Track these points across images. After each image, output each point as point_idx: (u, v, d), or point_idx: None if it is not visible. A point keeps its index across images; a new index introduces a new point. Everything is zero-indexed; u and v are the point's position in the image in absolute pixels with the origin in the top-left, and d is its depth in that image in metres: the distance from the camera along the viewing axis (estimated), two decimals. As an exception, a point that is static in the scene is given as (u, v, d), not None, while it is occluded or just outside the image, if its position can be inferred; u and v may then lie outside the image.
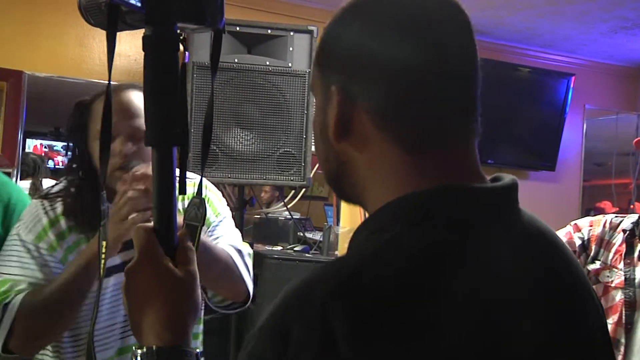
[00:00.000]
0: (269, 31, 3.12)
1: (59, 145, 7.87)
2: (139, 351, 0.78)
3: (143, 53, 0.84)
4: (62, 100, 4.93)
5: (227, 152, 2.94)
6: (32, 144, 7.47)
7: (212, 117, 0.88)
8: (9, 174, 3.68)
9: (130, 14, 0.82)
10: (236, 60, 3.03)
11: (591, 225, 2.13)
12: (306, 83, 3.07)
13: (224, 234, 1.84)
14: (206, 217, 1.30)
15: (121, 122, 1.55)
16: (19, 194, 1.81)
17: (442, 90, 0.76)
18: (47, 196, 1.63)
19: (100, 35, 3.13)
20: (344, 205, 4.33)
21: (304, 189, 3.54)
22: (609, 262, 2.04)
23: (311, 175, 3.17)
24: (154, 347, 0.77)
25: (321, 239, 4.09)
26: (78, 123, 1.66)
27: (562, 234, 2.15)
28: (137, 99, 1.62)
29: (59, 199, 1.60)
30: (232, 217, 2.79)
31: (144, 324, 0.79)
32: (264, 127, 2.98)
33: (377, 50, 0.74)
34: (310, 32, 3.13)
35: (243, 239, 3.13)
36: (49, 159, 7.77)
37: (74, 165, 1.62)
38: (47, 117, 7.13)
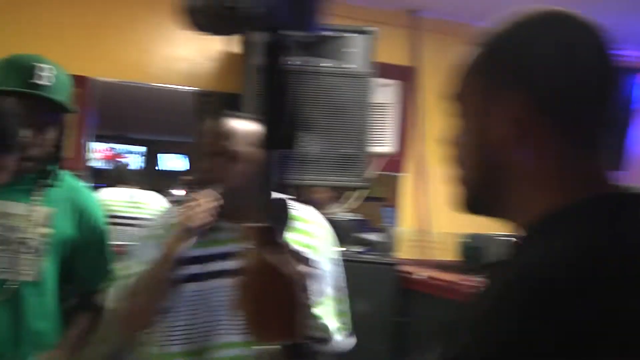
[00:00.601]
0: (328, 33, 3.12)
1: (124, 148, 8.10)
2: (263, 348, 0.82)
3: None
4: (126, 104, 5.07)
5: (287, 154, 2.95)
6: (99, 148, 7.71)
7: (295, 121, 0.91)
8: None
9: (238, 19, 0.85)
10: (295, 63, 3.04)
11: None
12: (365, 84, 3.05)
13: None
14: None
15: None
16: (91, 200, 1.93)
17: (605, 99, 0.82)
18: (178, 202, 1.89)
19: (163, 40, 3.21)
20: (404, 207, 4.29)
21: (362, 190, 3.52)
22: None
23: (370, 175, 3.15)
24: (282, 344, 0.81)
25: (380, 240, 4.06)
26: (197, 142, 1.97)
27: None
28: (232, 123, 1.88)
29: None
30: None
31: (263, 322, 0.83)
32: (324, 129, 2.97)
33: (563, 58, 0.81)
34: (370, 33, 3.11)
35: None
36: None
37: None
38: (111, 122, 7.34)
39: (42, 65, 1.71)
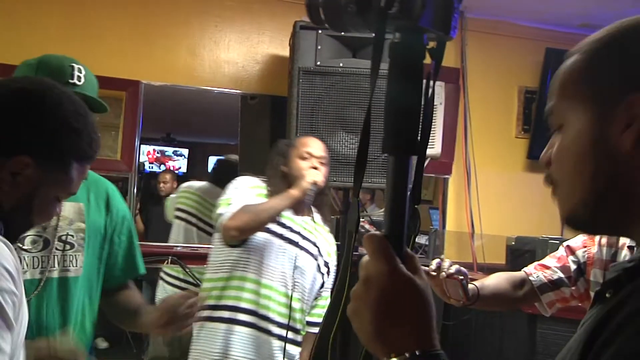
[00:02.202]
0: (374, 34, 3.12)
1: (170, 150, 8.24)
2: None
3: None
4: (174, 107, 5.15)
5: (333, 156, 2.96)
6: (145, 150, 7.85)
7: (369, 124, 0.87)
8: (127, 179, 3.87)
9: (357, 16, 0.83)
10: (341, 65, 3.05)
11: (585, 246, 1.91)
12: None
13: (326, 298, 2.69)
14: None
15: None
16: (113, 190, 1.95)
17: None
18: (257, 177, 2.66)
19: (210, 44, 3.26)
20: (450, 209, 4.26)
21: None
22: None
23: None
24: (417, 353, 0.76)
25: (426, 243, 4.05)
26: (282, 153, 2.61)
27: (555, 259, 1.95)
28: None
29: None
30: (338, 220, 3.00)
31: (391, 332, 0.78)
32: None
33: None
34: (416, 33, 3.11)
35: (346, 242, 3.18)
36: (161, 163, 8.14)
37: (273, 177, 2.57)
38: (159, 124, 7.47)
39: (75, 65, 1.76)
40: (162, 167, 8.06)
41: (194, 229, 3.97)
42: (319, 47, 3.06)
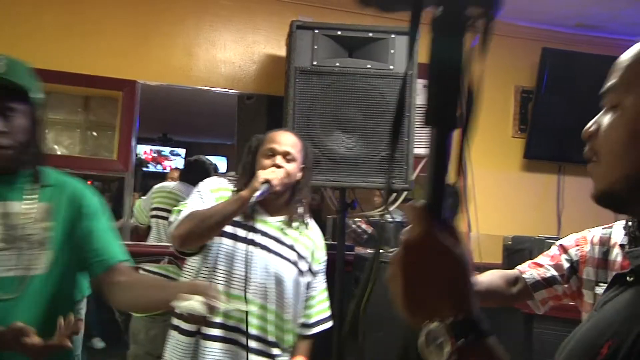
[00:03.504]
0: (370, 34, 3.13)
1: (166, 150, 8.23)
2: (434, 325, 0.77)
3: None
4: (170, 107, 5.15)
5: (329, 156, 2.96)
6: (141, 149, 7.85)
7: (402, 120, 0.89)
8: (122, 179, 3.87)
9: None
10: (337, 64, 3.05)
11: (578, 245, 1.93)
12: (407, 85, 3.04)
13: (318, 294, 2.51)
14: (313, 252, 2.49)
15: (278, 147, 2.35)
16: (83, 189, 1.96)
17: None
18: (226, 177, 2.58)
19: (206, 43, 3.25)
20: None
21: (405, 192, 3.51)
22: None
23: (413, 177, 3.14)
24: (451, 319, 0.76)
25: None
26: (252, 151, 2.43)
27: (548, 258, 1.96)
28: (292, 134, 2.45)
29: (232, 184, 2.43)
30: (335, 220, 2.93)
31: (426, 297, 0.79)
32: (366, 130, 2.98)
33: None
34: (412, 33, 3.11)
35: (344, 242, 3.15)
36: (157, 163, 8.14)
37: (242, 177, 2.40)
38: (156, 124, 7.48)
39: None
40: (159, 167, 8.06)
41: None
42: (316, 47, 3.06)
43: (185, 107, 5.30)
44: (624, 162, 0.88)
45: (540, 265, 1.96)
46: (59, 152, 4.08)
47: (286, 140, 2.37)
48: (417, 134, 3.09)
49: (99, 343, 5.24)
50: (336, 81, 3.02)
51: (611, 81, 0.93)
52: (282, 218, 2.40)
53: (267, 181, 2.23)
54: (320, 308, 2.51)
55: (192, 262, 2.38)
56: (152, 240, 4.02)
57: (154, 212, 4.05)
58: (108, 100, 4.05)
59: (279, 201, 2.38)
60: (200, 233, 2.23)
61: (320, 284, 2.52)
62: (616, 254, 1.81)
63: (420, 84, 3.15)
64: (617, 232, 1.85)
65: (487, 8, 0.81)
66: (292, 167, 2.34)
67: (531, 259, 2.04)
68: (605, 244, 1.86)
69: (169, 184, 4.32)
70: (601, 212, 0.99)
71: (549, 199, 4.54)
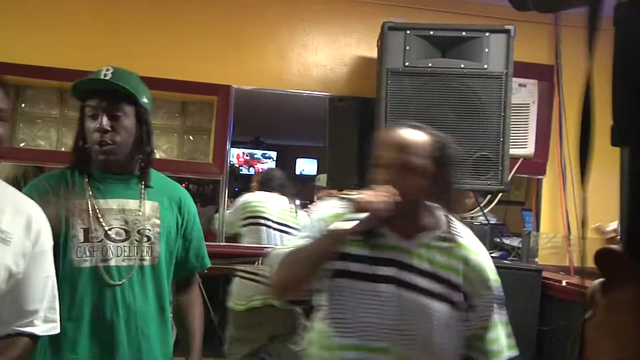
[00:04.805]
0: (463, 33, 3.07)
1: (258, 153, 8.39)
2: None
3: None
4: (262, 110, 5.23)
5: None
6: (235, 153, 8.02)
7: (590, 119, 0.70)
8: (218, 182, 3.97)
9: None
10: (430, 65, 3.01)
11: None
12: (503, 84, 2.96)
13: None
14: None
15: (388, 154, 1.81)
16: (184, 193, 2.22)
17: None
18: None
19: (299, 47, 3.28)
20: (544, 211, 4.12)
21: (500, 194, 3.42)
22: None
23: (509, 179, 3.06)
24: None
25: (519, 245, 3.93)
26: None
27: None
28: (406, 134, 1.82)
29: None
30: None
31: None
32: (460, 131, 2.92)
33: None
34: (507, 31, 3.02)
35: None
36: (250, 166, 8.30)
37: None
38: (249, 127, 7.62)
39: (105, 67, 1.98)
40: (251, 170, 8.22)
41: (271, 230, 3.98)
42: (407, 48, 3.03)
43: (277, 110, 5.37)
44: None
45: None
46: (157, 156, 4.22)
47: (396, 143, 1.80)
48: (512, 134, 3.01)
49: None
50: (429, 82, 2.98)
51: None
52: (422, 238, 1.84)
53: (366, 209, 1.72)
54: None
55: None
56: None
57: (247, 221, 4.08)
58: (204, 105, 4.17)
59: (408, 216, 1.83)
60: (294, 283, 1.85)
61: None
62: None
63: (515, 83, 3.06)
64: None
65: None
66: (413, 181, 1.78)
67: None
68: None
69: (255, 194, 4.35)
70: None
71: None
